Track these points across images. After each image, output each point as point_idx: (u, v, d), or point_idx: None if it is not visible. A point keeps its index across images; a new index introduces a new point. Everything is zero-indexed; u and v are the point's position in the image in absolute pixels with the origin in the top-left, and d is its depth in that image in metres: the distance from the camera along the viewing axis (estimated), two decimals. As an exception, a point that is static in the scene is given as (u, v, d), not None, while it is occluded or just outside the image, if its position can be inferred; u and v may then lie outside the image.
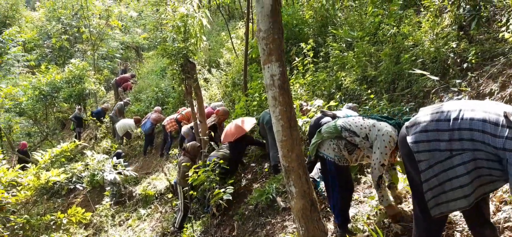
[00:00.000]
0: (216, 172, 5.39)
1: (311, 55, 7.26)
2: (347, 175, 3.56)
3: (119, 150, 10.49)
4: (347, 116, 4.11)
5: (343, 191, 3.48)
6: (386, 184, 3.61)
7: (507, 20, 4.84)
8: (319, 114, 4.72)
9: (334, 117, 4.37)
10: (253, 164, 6.82)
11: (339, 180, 3.46)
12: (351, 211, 4.08)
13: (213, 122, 7.45)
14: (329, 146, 3.47)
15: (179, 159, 6.57)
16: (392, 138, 3.25)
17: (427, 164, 2.30)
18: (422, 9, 6.39)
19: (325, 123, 4.07)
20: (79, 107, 14.24)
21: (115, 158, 9.35)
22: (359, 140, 3.41)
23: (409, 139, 2.38)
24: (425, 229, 2.56)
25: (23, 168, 6.25)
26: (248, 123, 6.34)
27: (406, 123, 2.52)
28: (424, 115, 2.42)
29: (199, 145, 6.58)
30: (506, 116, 2.04)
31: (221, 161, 5.51)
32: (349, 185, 3.57)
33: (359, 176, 4.66)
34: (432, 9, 5.94)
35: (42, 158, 6.19)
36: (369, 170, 4.51)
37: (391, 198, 3.50)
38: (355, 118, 3.64)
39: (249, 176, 6.60)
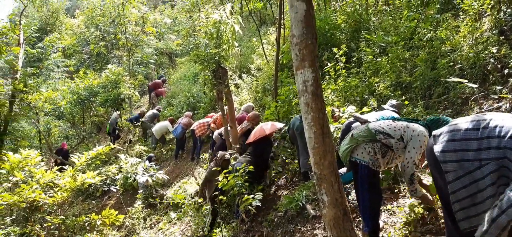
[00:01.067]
0: (245, 177, 5.36)
1: (344, 60, 7.15)
2: (378, 179, 3.55)
3: (151, 154, 10.69)
4: (378, 120, 4.03)
5: (374, 196, 3.43)
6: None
7: (553, 24, 4.60)
8: (351, 119, 4.63)
9: (365, 122, 4.28)
10: (280, 170, 6.77)
11: (372, 184, 3.42)
12: (383, 221, 3.97)
13: (247, 127, 7.44)
14: (364, 150, 3.43)
15: (209, 165, 6.61)
16: (426, 138, 3.32)
17: (455, 175, 2.20)
18: (460, 13, 6.17)
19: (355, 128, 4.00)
20: (119, 112, 14.69)
21: (147, 161, 9.54)
22: (394, 142, 3.40)
23: (436, 148, 2.31)
24: None
25: (60, 170, 6.46)
26: (274, 126, 6.30)
27: (434, 132, 2.46)
28: (453, 124, 2.35)
29: (227, 157, 6.52)
30: None
31: (251, 167, 5.48)
32: (379, 191, 3.55)
33: (393, 185, 4.53)
34: (471, 13, 5.73)
35: (78, 160, 6.40)
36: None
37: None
38: (386, 121, 3.62)
39: (279, 182, 6.55)
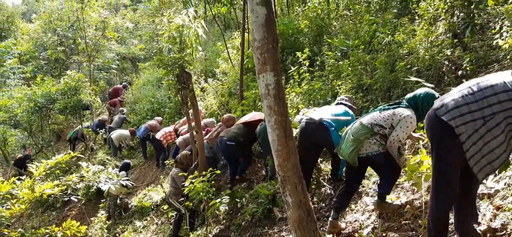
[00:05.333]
0: (212, 182, 5.33)
1: (307, 64, 7.27)
2: (391, 156, 3.67)
3: (127, 161, 10.32)
4: (336, 114, 4.51)
5: (395, 170, 3.69)
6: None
7: (501, 27, 4.86)
8: (304, 118, 4.71)
9: (320, 121, 4.46)
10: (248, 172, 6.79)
11: (390, 163, 3.62)
12: (349, 219, 4.07)
13: (220, 130, 7.40)
14: (370, 143, 3.58)
15: (171, 172, 6.52)
16: (413, 119, 3.48)
17: (466, 135, 2.48)
18: (416, 18, 6.42)
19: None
20: (88, 124, 14.31)
21: (122, 170, 9.15)
22: (387, 131, 3.56)
23: (445, 118, 2.55)
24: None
25: (18, 180, 6.16)
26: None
27: (434, 107, 2.70)
28: (449, 96, 2.65)
29: (190, 154, 6.51)
30: None
31: (218, 171, 5.46)
32: (397, 164, 3.74)
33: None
34: (426, 18, 5.96)
35: (36, 170, 6.12)
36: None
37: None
38: (373, 113, 3.73)
39: (243, 184, 6.55)
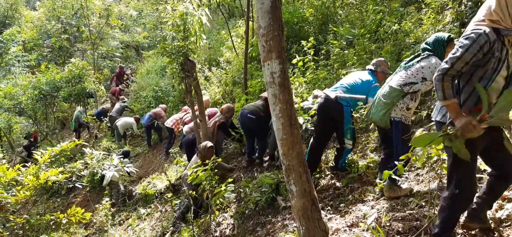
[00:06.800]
0: (215, 171, 5.33)
1: (312, 53, 7.21)
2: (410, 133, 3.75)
3: (127, 149, 10.39)
4: (353, 84, 4.56)
5: (406, 148, 3.66)
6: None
7: (509, 17, 4.79)
8: (323, 95, 4.74)
9: (335, 98, 4.50)
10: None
11: (404, 141, 3.67)
12: (352, 209, 4.06)
13: (221, 120, 7.38)
14: (397, 107, 3.68)
15: (193, 158, 6.51)
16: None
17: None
18: (423, 6, 6.35)
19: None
20: (82, 108, 14.31)
21: (122, 157, 9.25)
22: (420, 85, 3.58)
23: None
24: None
25: (24, 167, 6.20)
26: None
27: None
28: None
29: (211, 145, 6.46)
30: None
31: (220, 159, 5.45)
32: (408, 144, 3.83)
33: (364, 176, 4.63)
34: (433, 6, 5.90)
35: (41, 157, 6.15)
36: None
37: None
38: (399, 73, 3.72)
39: (249, 174, 6.56)
